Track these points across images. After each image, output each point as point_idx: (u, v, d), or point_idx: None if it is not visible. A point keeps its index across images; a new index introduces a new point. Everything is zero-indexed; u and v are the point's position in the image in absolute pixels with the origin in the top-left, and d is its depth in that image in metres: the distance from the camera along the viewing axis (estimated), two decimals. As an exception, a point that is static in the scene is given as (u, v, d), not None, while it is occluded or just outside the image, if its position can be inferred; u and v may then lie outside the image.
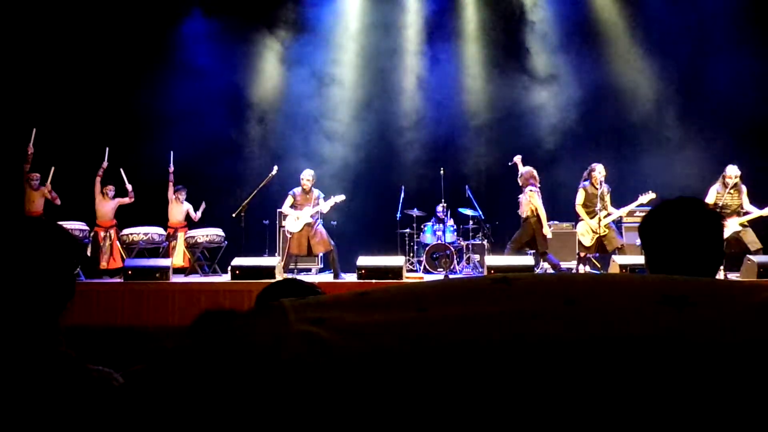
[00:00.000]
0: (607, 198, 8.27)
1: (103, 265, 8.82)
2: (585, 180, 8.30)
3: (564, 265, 9.14)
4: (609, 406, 0.39)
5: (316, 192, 8.57)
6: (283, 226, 9.80)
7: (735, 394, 0.39)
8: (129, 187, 9.15)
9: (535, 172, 8.41)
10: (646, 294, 0.49)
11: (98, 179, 9.17)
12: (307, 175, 8.52)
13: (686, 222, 1.68)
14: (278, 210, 9.85)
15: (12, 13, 9.95)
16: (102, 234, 9.06)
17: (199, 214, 9.57)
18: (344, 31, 11.14)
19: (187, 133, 10.39)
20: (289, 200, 8.51)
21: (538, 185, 8.35)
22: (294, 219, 8.44)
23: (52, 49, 10.14)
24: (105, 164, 9.19)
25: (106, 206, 9.25)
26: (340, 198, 8.50)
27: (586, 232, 8.29)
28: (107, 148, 9.23)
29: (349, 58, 11.14)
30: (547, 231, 8.30)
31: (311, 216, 8.42)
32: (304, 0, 11.11)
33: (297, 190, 8.51)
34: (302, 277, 8.41)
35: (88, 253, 9.02)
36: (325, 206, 8.49)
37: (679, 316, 0.45)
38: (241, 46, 11.06)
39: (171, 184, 9.43)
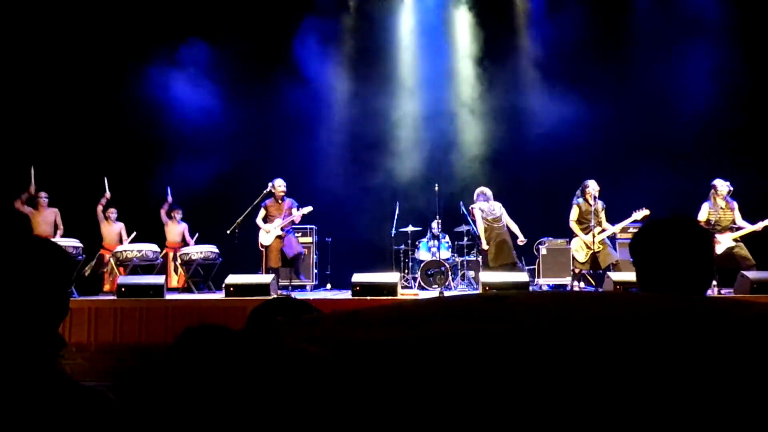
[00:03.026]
0: (602, 214, 8.32)
1: (107, 287, 8.86)
2: (578, 196, 8.36)
3: (558, 281, 9.17)
4: (597, 422, 0.39)
5: (288, 201, 8.55)
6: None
7: (722, 407, 0.39)
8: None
9: (479, 190, 8.79)
10: (636, 312, 0.49)
11: (99, 207, 9.29)
12: (281, 185, 8.50)
13: (677, 240, 1.70)
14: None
15: (12, 28, 10.00)
16: (107, 256, 9.12)
17: (192, 241, 9.66)
18: (341, 50, 11.22)
19: (181, 152, 10.43)
20: (261, 213, 8.56)
21: (483, 200, 8.67)
22: (265, 233, 8.46)
23: (52, 69, 10.19)
24: (107, 195, 9.37)
25: (111, 230, 9.36)
26: (308, 209, 8.52)
27: (580, 248, 8.33)
28: (106, 179, 9.41)
29: (343, 76, 11.20)
30: (484, 244, 8.62)
31: (282, 228, 8.44)
32: (309, 21, 11.20)
33: (269, 201, 8.55)
34: (296, 294, 8.40)
35: (89, 273, 9.08)
36: (289, 219, 8.51)
37: (668, 334, 0.45)
38: (240, 67, 11.10)
39: (163, 210, 9.56)
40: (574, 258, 8.50)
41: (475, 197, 8.78)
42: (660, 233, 1.73)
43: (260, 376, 0.44)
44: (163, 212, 9.67)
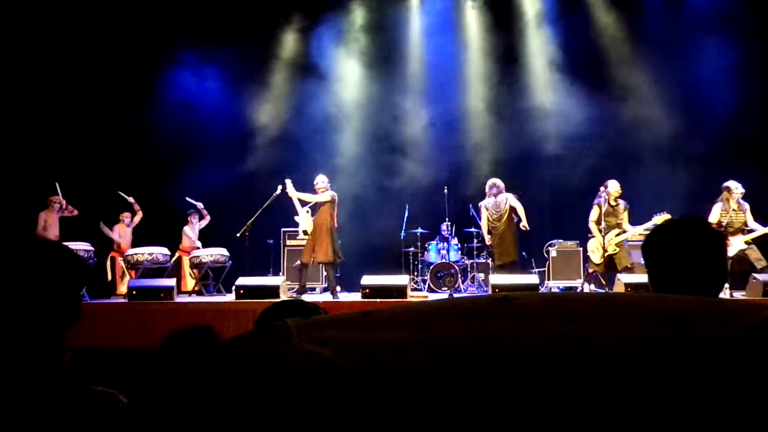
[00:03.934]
0: (625, 215, 8.21)
1: (121, 290, 8.90)
2: (599, 197, 8.30)
3: (569, 283, 9.12)
4: (604, 426, 0.39)
5: (327, 194, 8.28)
6: (287, 245, 9.81)
7: (731, 413, 0.39)
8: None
9: (490, 183, 8.74)
10: (647, 313, 0.49)
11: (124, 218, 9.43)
12: (318, 182, 8.29)
13: (689, 242, 1.68)
14: (282, 229, 9.86)
15: (30, 42, 10.09)
16: (119, 260, 9.18)
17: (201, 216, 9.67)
18: (348, 50, 11.24)
19: (193, 154, 10.49)
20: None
21: (494, 193, 8.65)
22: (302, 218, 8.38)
23: (68, 72, 10.26)
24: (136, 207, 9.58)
25: (125, 233, 9.41)
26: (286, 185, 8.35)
27: (596, 248, 8.28)
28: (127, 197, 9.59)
29: (353, 76, 11.21)
30: (488, 241, 8.79)
31: (303, 207, 8.31)
32: (306, 30, 11.26)
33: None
34: (305, 296, 8.41)
35: (109, 277, 9.15)
36: (296, 193, 8.31)
37: (678, 336, 0.45)
38: (246, 70, 11.15)
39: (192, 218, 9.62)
40: (589, 258, 8.46)
41: (487, 190, 8.73)
42: (672, 234, 1.72)
43: (268, 378, 0.44)
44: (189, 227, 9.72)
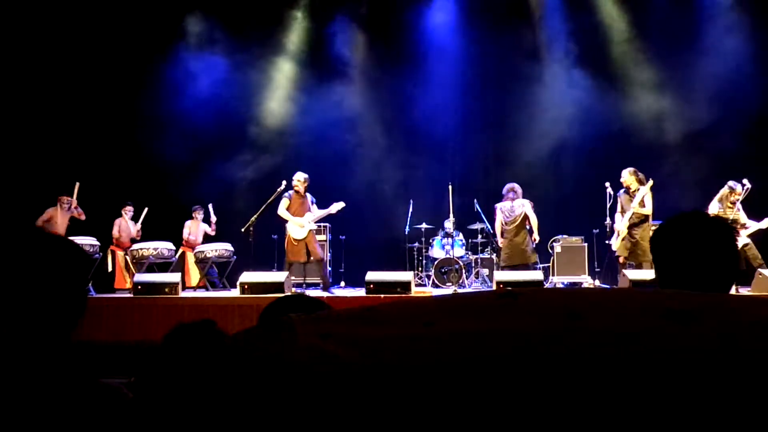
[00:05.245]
0: (646, 200, 8.18)
1: (124, 285, 8.93)
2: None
3: (573, 279, 9.10)
4: (608, 422, 0.39)
5: (309, 197, 8.49)
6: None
7: (735, 407, 0.39)
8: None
9: (508, 187, 8.76)
10: (650, 309, 0.49)
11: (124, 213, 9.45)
12: (300, 178, 8.40)
13: (699, 236, 1.62)
14: (287, 224, 9.87)
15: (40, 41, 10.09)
16: (120, 254, 9.20)
17: (212, 222, 9.65)
18: (363, 45, 11.22)
19: (202, 150, 10.50)
20: (284, 203, 8.37)
21: (512, 197, 8.68)
22: (298, 227, 8.34)
23: (76, 67, 10.24)
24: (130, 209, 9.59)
25: (127, 227, 9.45)
26: (340, 205, 8.40)
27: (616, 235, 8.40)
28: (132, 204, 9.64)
29: (356, 71, 11.19)
30: (500, 243, 8.83)
31: (314, 222, 8.40)
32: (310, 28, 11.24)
33: (291, 193, 8.46)
34: (310, 292, 8.43)
35: (109, 269, 9.18)
36: (321, 212, 8.40)
37: (681, 332, 0.45)
38: (252, 69, 11.14)
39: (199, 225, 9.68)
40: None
41: (504, 192, 8.76)
42: (680, 228, 1.66)
43: (272, 372, 0.44)
44: (195, 226, 9.73)
